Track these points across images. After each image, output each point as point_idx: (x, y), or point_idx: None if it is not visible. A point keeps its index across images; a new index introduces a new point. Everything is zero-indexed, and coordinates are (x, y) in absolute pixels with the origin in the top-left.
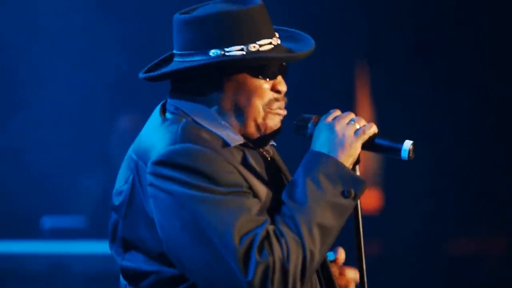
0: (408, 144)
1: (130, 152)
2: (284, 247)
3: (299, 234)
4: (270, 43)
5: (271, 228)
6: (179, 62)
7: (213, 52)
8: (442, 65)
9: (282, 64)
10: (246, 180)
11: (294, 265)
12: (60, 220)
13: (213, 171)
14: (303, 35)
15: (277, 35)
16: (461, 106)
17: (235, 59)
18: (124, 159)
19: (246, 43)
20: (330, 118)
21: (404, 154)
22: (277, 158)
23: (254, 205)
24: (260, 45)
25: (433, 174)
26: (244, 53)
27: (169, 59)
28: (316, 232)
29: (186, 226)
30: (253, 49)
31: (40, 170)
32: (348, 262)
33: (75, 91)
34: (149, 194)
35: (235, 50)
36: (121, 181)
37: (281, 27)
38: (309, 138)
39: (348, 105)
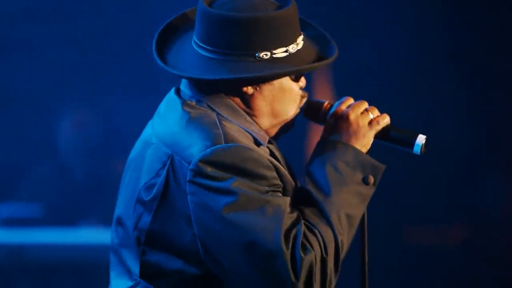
0: (421, 139)
1: (156, 142)
2: (320, 239)
3: (329, 224)
4: (302, 40)
5: (303, 221)
6: (221, 61)
7: (263, 55)
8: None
9: None
10: (279, 176)
11: (330, 255)
12: (15, 208)
13: (258, 170)
14: (318, 30)
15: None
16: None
17: (292, 70)
18: (146, 147)
19: (288, 44)
20: (343, 106)
21: (417, 149)
22: None
23: (289, 202)
24: (297, 44)
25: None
26: (288, 54)
27: (184, 47)
28: (344, 220)
29: (231, 226)
30: (293, 50)
31: None
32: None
33: (27, 79)
34: (189, 191)
35: (280, 52)
36: (151, 173)
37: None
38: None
39: None
